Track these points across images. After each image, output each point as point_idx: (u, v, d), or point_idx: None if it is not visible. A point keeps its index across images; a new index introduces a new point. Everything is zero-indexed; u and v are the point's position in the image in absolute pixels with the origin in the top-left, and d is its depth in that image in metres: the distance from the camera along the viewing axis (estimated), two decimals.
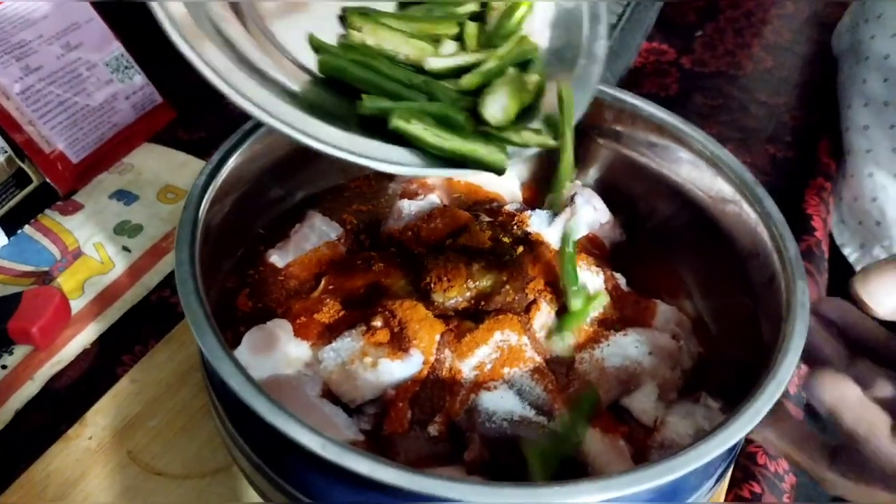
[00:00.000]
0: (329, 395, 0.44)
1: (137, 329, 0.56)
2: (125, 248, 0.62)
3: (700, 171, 0.51)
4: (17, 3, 0.64)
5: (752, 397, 0.35)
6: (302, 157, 0.54)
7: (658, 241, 0.55)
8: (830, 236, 0.74)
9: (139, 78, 0.71)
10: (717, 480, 0.41)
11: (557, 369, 0.44)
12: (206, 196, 0.44)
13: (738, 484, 0.52)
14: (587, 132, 0.56)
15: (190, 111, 0.75)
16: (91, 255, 0.62)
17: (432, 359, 0.43)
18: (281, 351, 0.45)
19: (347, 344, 0.45)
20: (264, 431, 0.34)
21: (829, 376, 0.36)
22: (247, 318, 0.48)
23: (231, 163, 0.46)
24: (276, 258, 0.51)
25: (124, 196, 0.67)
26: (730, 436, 0.34)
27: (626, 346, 0.46)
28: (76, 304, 0.58)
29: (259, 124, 0.48)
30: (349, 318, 0.46)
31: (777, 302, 0.42)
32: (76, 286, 0.59)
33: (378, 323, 0.45)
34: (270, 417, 0.34)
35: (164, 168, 0.70)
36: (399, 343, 0.44)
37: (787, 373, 0.36)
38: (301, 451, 0.33)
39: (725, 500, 0.51)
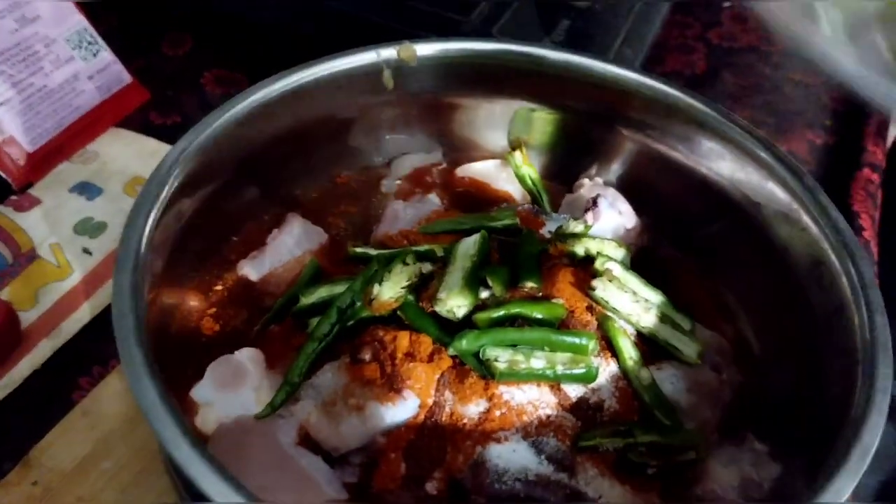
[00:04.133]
0: (307, 440, 0.37)
1: (96, 346, 0.49)
2: (86, 251, 0.55)
3: (746, 171, 0.44)
4: None
5: (833, 471, 0.28)
6: (282, 151, 0.47)
7: (693, 250, 0.48)
8: (880, 235, 0.66)
9: (105, 55, 0.64)
10: None
11: (580, 414, 0.37)
12: (161, 200, 0.37)
13: None
14: (611, 122, 0.49)
15: (164, 92, 0.67)
16: (47, 258, 0.55)
17: (430, 401, 0.36)
18: (250, 387, 0.38)
19: (328, 379, 0.38)
20: None
21: None
22: (212, 346, 0.41)
23: (193, 155, 0.38)
24: (249, 270, 0.44)
25: (87, 189, 0.60)
26: None
27: (661, 383, 0.39)
28: (27, 317, 0.51)
29: (229, 107, 0.41)
30: (332, 348, 0.39)
31: (847, 337, 0.35)
32: (28, 296, 0.52)
33: (366, 356, 0.38)
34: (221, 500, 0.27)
35: (132, 157, 0.62)
36: (391, 382, 0.36)
37: (873, 438, 0.29)
38: None
39: None
